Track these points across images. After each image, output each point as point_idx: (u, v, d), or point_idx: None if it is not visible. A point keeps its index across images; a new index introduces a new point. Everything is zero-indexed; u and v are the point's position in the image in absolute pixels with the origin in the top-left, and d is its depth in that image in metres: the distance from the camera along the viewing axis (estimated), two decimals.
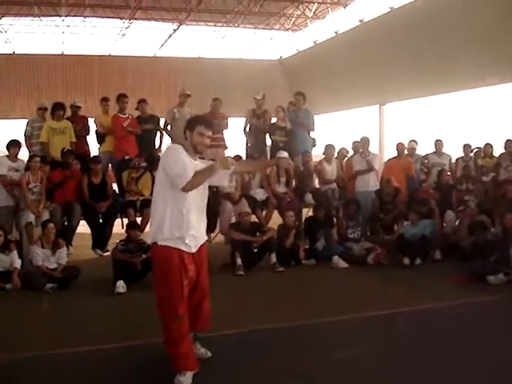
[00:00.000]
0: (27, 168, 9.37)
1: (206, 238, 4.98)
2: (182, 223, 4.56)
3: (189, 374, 4.56)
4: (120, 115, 10.42)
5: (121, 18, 26.41)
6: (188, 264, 4.60)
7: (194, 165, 4.58)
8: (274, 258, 8.80)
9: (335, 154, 11.38)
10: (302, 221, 10.40)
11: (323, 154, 11.13)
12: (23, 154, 10.08)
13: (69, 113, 10.70)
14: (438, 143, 11.66)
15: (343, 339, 5.63)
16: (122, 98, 10.57)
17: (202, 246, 4.83)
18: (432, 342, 5.45)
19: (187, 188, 4.43)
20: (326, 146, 11.15)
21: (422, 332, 5.82)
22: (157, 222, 4.60)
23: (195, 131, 4.62)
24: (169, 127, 10.88)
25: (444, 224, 10.07)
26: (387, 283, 7.97)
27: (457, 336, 5.62)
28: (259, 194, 10.23)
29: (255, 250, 8.89)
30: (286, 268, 8.70)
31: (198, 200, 4.70)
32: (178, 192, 4.48)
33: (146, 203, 9.30)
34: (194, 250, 4.68)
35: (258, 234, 8.94)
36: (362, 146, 10.94)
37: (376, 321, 6.23)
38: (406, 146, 11.77)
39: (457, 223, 9.86)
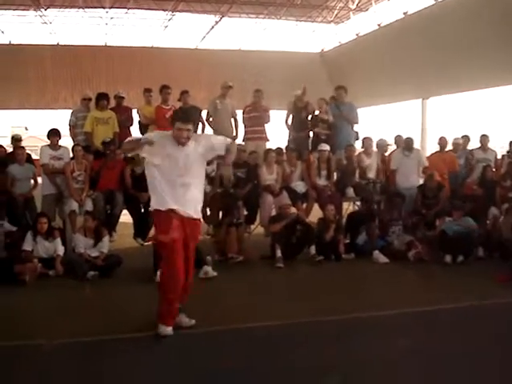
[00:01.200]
0: (72, 157, 9.53)
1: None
2: None
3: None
4: (163, 106, 10.50)
5: (164, 10, 26.59)
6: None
7: (175, 151, 5.29)
8: (313, 249, 8.78)
9: (374, 147, 11.24)
10: (343, 215, 10.35)
11: (362, 146, 11.02)
12: (67, 143, 10.26)
13: (113, 103, 10.81)
14: (484, 138, 11.39)
15: (382, 335, 5.56)
16: (164, 89, 10.65)
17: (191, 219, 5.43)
18: (472, 341, 5.36)
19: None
20: (364, 138, 11.06)
21: (462, 331, 5.70)
22: None
23: (175, 127, 5.28)
24: (210, 118, 10.90)
25: (487, 221, 9.86)
26: (428, 280, 7.89)
27: (498, 337, 5.49)
28: (299, 187, 10.19)
29: (294, 242, 8.87)
30: (325, 262, 8.65)
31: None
32: None
33: None
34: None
35: (297, 227, 8.90)
36: (405, 144, 10.78)
37: (416, 317, 6.16)
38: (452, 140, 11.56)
39: (501, 220, 9.64)
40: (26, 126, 43.29)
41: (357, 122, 11.46)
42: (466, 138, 11.84)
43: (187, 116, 5.43)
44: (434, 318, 6.09)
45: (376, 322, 5.95)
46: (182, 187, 5.35)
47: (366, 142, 10.97)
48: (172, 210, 5.30)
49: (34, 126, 45.13)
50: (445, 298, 6.75)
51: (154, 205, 5.42)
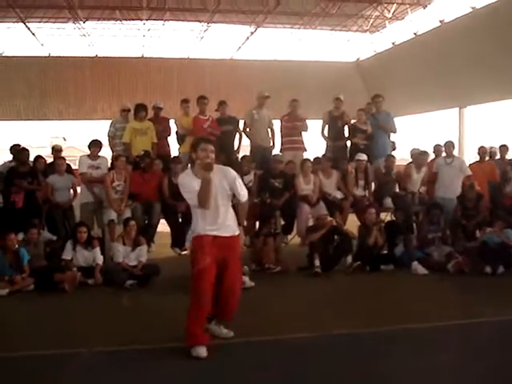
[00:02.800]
0: (112, 167, 9.66)
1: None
2: None
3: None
4: (200, 116, 10.56)
5: (199, 21, 26.83)
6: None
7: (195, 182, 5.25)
8: (349, 259, 8.76)
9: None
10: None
11: (413, 161, 10.82)
12: (106, 154, 10.39)
13: (151, 114, 10.91)
14: None
15: (421, 347, 5.47)
16: (201, 99, 10.70)
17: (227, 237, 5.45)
18: (505, 356, 5.21)
19: (201, 204, 5.23)
20: (417, 153, 10.81)
21: (503, 344, 5.58)
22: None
23: (199, 148, 5.28)
24: (247, 129, 10.94)
25: None
26: (468, 292, 7.71)
27: None
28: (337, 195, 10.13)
29: (331, 252, 8.83)
30: (363, 273, 8.61)
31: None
32: None
33: None
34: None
35: (335, 237, 8.85)
36: (446, 149, 10.62)
37: (456, 330, 6.06)
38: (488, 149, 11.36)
39: None
40: (64, 136, 44.06)
41: (394, 131, 11.36)
42: (505, 148, 11.61)
43: (208, 139, 5.70)
44: (477, 331, 5.99)
45: (416, 335, 5.86)
46: (213, 211, 5.36)
47: (420, 156, 10.73)
48: (206, 235, 5.35)
49: (73, 137, 45.94)
50: (486, 310, 6.62)
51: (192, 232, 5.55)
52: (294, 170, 10.23)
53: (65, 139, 41.66)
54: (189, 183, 5.28)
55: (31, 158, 10.18)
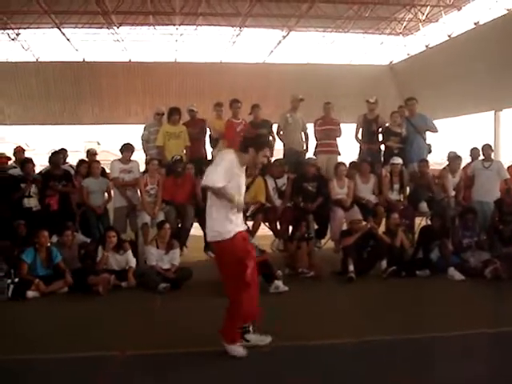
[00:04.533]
0: (145, 171, 9.71)
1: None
2: None
3: None
4: (233, 120, 10.56)
5: (232, 26, 26.91)
6: None
7: (238, 178, 5.21)
8: (384, 264, 8.64)
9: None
10: (415, 230, 10.10)
11: (448, 165, 10.66)
12: (139, 157, 10.45)
13: (184, 118, 10.93)
14: None
15: (460, 355, 5.40)
16: (234, 103, 10.72)
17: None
18: None
19: (209, 190, 5.16)
20: (453, 156, 10.65)
21: None
22: None
23: (261, 153, 5.25)
24: (281, 132, 10.89)
25: None
26: (505, 299, 7.53)
27: None
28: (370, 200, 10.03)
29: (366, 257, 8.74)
30: (398, 278, 8.48)
31: None
32: None
33: (262, 209, 9.38)
34: None
35: (370, 241, 8.74)
36: (484, 153, 10.42)
37: (495, 338, 5.93)
38: None
39: None
40: (98, 140, 44.54)
41: (436, 131, 11.16)
42: None
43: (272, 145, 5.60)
44: None
45: (454, 342, 5.76)
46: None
47: (455, 161, 10.55)
48: (240, 233, 5.31)
49: (106, 141, 46.42)
50: None
51: (221, 233, 5.23)
52: (328, 174, 10.17)
53: (99, 143, 42.07)
54: (231, 170, 5.15)
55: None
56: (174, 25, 26.76)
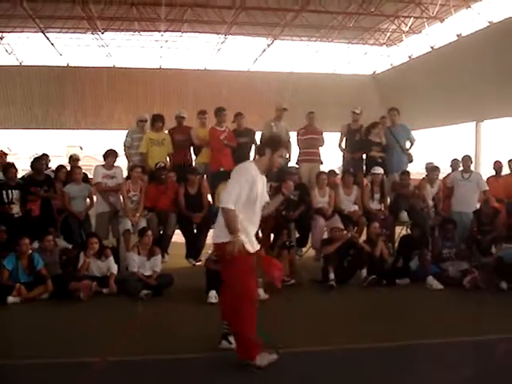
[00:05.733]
0: (128, 177, 9.72)
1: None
2: None
3: None
4: (217, 128, 10.56)
5: (217, 33, 26.97)
6: None
7: (263, 181, 5.22)
8: (364, 272, 8.72)
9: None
10: (395, 239, 10.21)
11: (426, 175, 10.82)
12: (121, 163, 10.46)
13: (168, 124, 10.95)
14: None
15: (438, 363, 5.45)
16: (220, 111, 10.72)
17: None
18: None
19: (222, 210, 5.05)
20: (431, 167, 10.83)
21: None
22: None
23: (277, 153, 5.21)
24: None
25: None
26: (483, 308, 7.64)
27: None
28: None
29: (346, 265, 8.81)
30: (378, 287, 8.54)
31: None
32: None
33: None
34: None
35: (351, 250, 8.82)
36: (463, 164, 10.56)
37: (473, 346, 6.04)
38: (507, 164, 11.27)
39: None
40: (80, 145, 44.30)
41: (413, 141, 11.31)
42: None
43: (287, 145, 5.60)
44: (493, 347, 5.96)
45: (432, 350, 5.82)
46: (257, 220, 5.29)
47: (433, 172, 10.72)
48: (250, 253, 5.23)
49: (89, 146, 46.21)
50: (502, 326, 6.57)
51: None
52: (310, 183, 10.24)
53: (81, 148, 41.81)
54: (255, 181, 5.07)
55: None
56: (159, 31, 26.76)
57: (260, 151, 5.35)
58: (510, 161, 11.18)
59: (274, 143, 5.35)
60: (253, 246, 5.27)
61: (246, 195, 5.03)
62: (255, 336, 5.14)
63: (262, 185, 5.22)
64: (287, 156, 11.00)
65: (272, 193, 9.78)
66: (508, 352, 5.80)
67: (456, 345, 6.01)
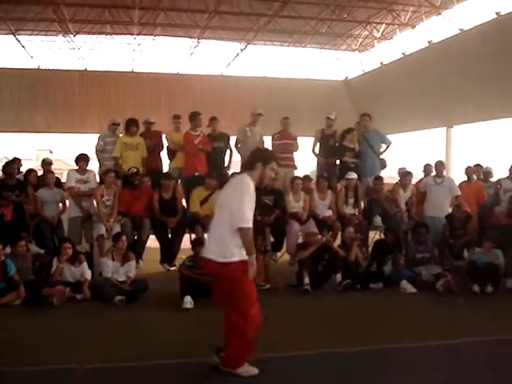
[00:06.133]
0: (101, 181, 9.64)
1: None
2: None
3: None
4: (192, 132, 10.54)
5: (190, 37, 26.94)
6: None
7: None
8: (339, 277, 8.76)
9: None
10: (369, 243, 10.29)
11: (399, 180, 10.96)
12: (93, 167, 10.37)
13: (142, 129, 10.89)
14: None
15: (412, 366, 5.53)
16: (195, 115, 10.67)
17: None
18: (497, 375, 5.26)
19: (241, 231, 4.93)
20: (403, 172, 10.98)
21: (491, 363, 5.60)
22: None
23: (269, 166, 5.19)
24: (239, 145, 10.96)
25: None
26: (456, 311, 7.74)
27: None
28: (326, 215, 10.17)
29: (321, 270, 8.85)
30: (352, 291, 8.59)
31: None
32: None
33: None
34: None
35: (325, 255, 8.86)
36: (436, 169, 10.70)
37: (446, 349, 6.07)
38: (483, 169, 11.46)
39: None
40: (50, 149, 43.80)
41: (389, 144, 11.45)
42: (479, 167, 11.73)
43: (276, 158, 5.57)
44: (466, 351, 6.03)
45: (406, 354, 5.89)
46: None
47: (405, 177, 10.87)
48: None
49: (59, 149, 45.70)
50: (474, 329, 6.68)
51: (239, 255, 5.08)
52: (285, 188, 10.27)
53: (51, 152, 41.33)
54: (252, 196, 5.07)
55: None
56: (132, 34, 26.64)
57: (251, 165, 5.25)
58: (476, 165, 11.37)
59: (266, 157, 5.31)
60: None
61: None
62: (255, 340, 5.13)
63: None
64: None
65: None
66: (480, 355, 5.88)
67: (430, 348, 6.05)
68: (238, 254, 5.01)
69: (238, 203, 4.97)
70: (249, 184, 5.07)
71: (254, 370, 5.11)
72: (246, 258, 5.02)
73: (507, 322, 7.00)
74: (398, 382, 5.10)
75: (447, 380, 5.15)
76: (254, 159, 5.27)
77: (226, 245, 5.01)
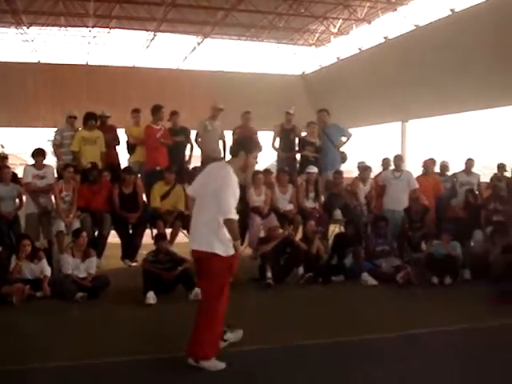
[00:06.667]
0: (60, 177, 9.46)
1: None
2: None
3: None
4: (153, 126, 10.44)
5: (146, 30, 26.66)
6: None
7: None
8: (301, 270, 8.83)
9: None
10: (329, 236, 10.39)
11: (359, 174, 11.08)
12: (51, 162, 10.19)
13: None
14: (469, 162, 11.54)
15: (374, 357, 5.59)
16: (157, 109, 10.58)
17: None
18: (458, 364, 5.39)
19: (228, 221, 4.99)
20: (363, 166, 11.11)
21: (450, 352, 5.73)
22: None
23: (252, 155, 5.28)
24: (199, 139, 10.91)
25: (472, 244, 9.95)
26: (416, 302, 7.91)
27: (484, 359, 5.54)
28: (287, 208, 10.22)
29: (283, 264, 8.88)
30: (314, 284, 8.67)
31: None
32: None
33: (181, 216, 9.35)
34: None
35: (287, 249, 8.90)
36: (395, 163, 10.86)
37: (406, 340, 6.19)
38: (439, 163, 11.67)
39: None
40: (2, 143, 42.78)
41: (349, 135, 11.56)
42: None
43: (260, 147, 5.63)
44: (427, 341, 6.14)
45: (368, 345, 5.96)
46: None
47: (364, 171, 11.02)
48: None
49: (10, 144, 44.62)
50: (433, 320, 6.83)
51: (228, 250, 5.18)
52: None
53: (3, 146, 40.40)
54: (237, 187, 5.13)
55: None
56: (87, 27, 26.20)
57: (233, 153, 5.36)
58: (431, 159, 11.55)
59: (249, 145, 5.40)
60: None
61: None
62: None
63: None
64: (222, 155, 11.05)
65: None
66: (438, 345, 6.00)
67: (391, 339, 6.16)
68: (221, 248, 5.09)
69: (224, 194, 5.01)
70: (232, 174, 5.13)
71: (221, 365, 5.12)
72: (230, 252, 5.13)
73: (465, 312, 7.19)
74: (362, 372, 5.15)
75: (409, 369, 5.23)
76: (238, 147, 5.38)
77: (210, 235, 5.09)
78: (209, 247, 5.10)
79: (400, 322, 6.78)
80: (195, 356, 5.11)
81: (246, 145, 5.41)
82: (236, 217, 5.06)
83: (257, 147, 5.44)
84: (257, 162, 5.55)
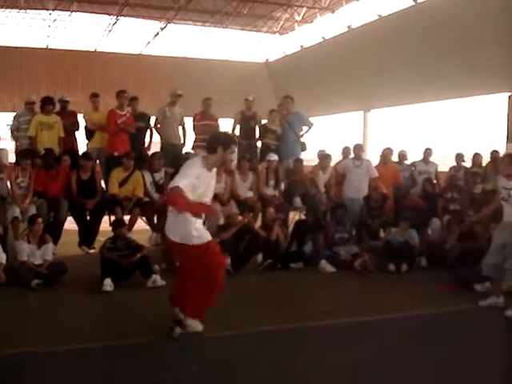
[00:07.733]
0: (16, 162, 9.27)
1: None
2: None
3: None
4: (117, 111, 10.20)
5: (108, 14, 26.27)
6: None
7: (207, 178, 5.37)
8: (260, 257, 8.90)
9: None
10: (289, 224, 10.43)
11: (319, 162, 11.11)
12: (9, 147, 9.99)
13: (57, 107, 10.54)
14: (428, 151, 11.68)
15: (331, 343, 5.67)
16: (121, 93, 10.37)
17: None
18: (413, 349, 5.49)
19: (169, 193, 5.29)
20: (323, 155, 11.14)
21: (405, 338, 5.84)
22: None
23: (229, 150, 5.40)
24: (158, 125, 10.80)
25: (429, 232, 10.13)
26: (373, 289, 8.01)
27: (439, 343, 5.66)
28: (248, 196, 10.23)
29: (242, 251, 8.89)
30: (273, 271, 8.72)
31: None
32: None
33: (139, 203, 9.28)
34: None
35: (246, 236, 8.91)
36: (355, 152, 10.94)
37: (363, 326, 6.27)
38: (397, 152, 11.78)
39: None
40: None
41: (309, 125, 11.59)
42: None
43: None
44: (384, 327, 6.26)
45: (322, 332, 6.05)
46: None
47: (324, 160, 11.05)
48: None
49: None
50: (390, 306, 6.95)
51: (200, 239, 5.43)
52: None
53: None
54: (195, 174, 5.24)
55: None
56: (47, 10, 25.69)
57: (211, 149, 5.42)
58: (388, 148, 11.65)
59: (226, 141, 5.49)
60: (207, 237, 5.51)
61: (192, 186, 5.17)
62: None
63: (208, 180, 5.41)
64: (182, 141, 10.98)
65: (167, 179, 9.79)
66: (395, 331, 6.11)
67: (348, 325, 6.26)
68: (192, 237, 5.33)
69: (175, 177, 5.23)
70: (193, 163, 5.36)
71: (199, 327, 5.47)
72: (202, 241, 5.39)
73: (420, 299, 7.34)
74: (319, 357, 5.21)
75: (364, 354, 5.30)
76: (215, 143, 5.44)
77: (181, 226, 5.32)
78: (181, 239, 5.36)
79: (356, 309, 6.89)
80: (182, 310, 5.51)
81: (223, 140, 5.50)
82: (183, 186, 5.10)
83: (234, 142, 5.61)
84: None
